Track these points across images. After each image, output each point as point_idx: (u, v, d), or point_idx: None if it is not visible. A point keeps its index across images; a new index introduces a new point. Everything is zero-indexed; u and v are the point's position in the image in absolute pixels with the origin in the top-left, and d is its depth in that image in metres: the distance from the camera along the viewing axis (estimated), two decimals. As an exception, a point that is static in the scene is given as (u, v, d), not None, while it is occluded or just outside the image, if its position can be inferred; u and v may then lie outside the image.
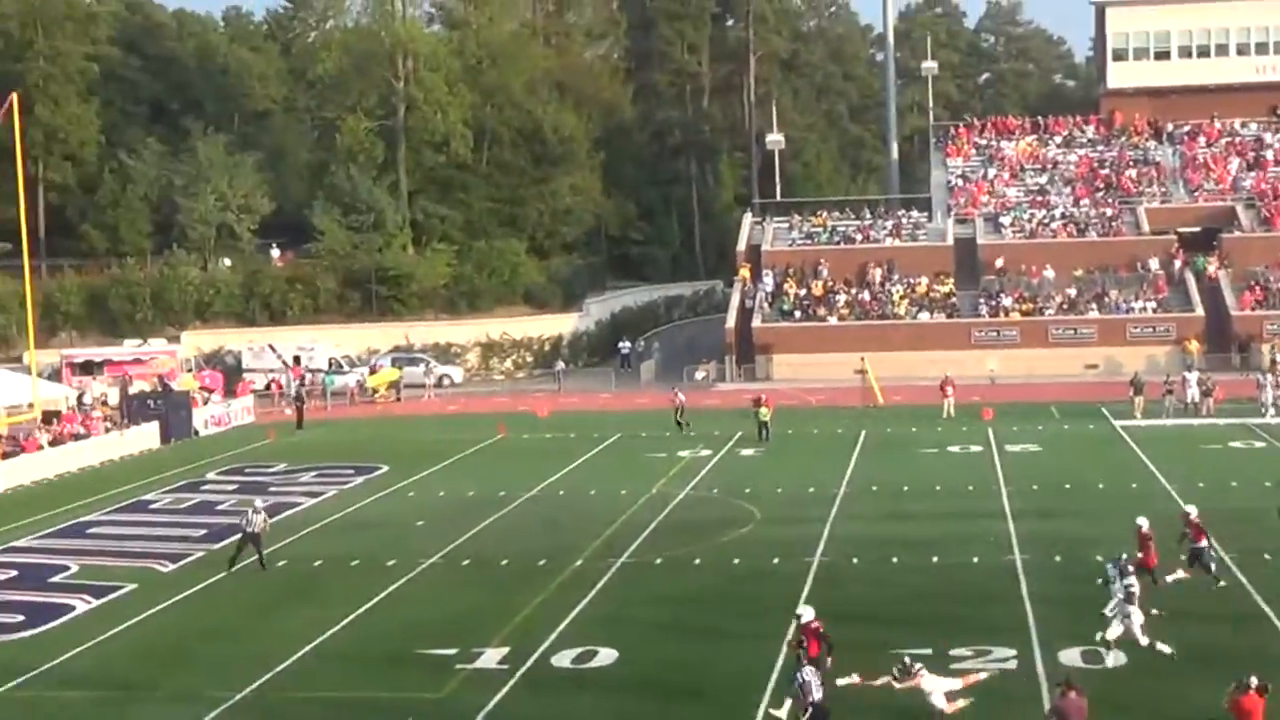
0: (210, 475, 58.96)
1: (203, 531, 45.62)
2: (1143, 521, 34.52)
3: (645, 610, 34.54)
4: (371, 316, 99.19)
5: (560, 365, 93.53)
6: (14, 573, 41.31)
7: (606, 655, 30.33)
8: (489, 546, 42.79)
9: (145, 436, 68.93)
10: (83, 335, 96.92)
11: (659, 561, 40.10)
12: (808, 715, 23.95)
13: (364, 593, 37.09)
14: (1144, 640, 28.73)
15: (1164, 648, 28.76)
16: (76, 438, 66.09)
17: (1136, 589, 29.56)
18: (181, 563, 42.08)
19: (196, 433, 72.42)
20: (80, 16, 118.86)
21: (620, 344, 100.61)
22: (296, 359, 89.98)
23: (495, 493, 51.80)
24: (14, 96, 63.37)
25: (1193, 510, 35.33)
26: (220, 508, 50.66)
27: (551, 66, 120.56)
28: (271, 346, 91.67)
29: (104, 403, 76.45)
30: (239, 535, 41.16)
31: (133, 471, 61.19)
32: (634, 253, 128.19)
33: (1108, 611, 29.43)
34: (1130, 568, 30.22)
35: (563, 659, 30.37)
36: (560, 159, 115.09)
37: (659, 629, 32.82)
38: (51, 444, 64.03)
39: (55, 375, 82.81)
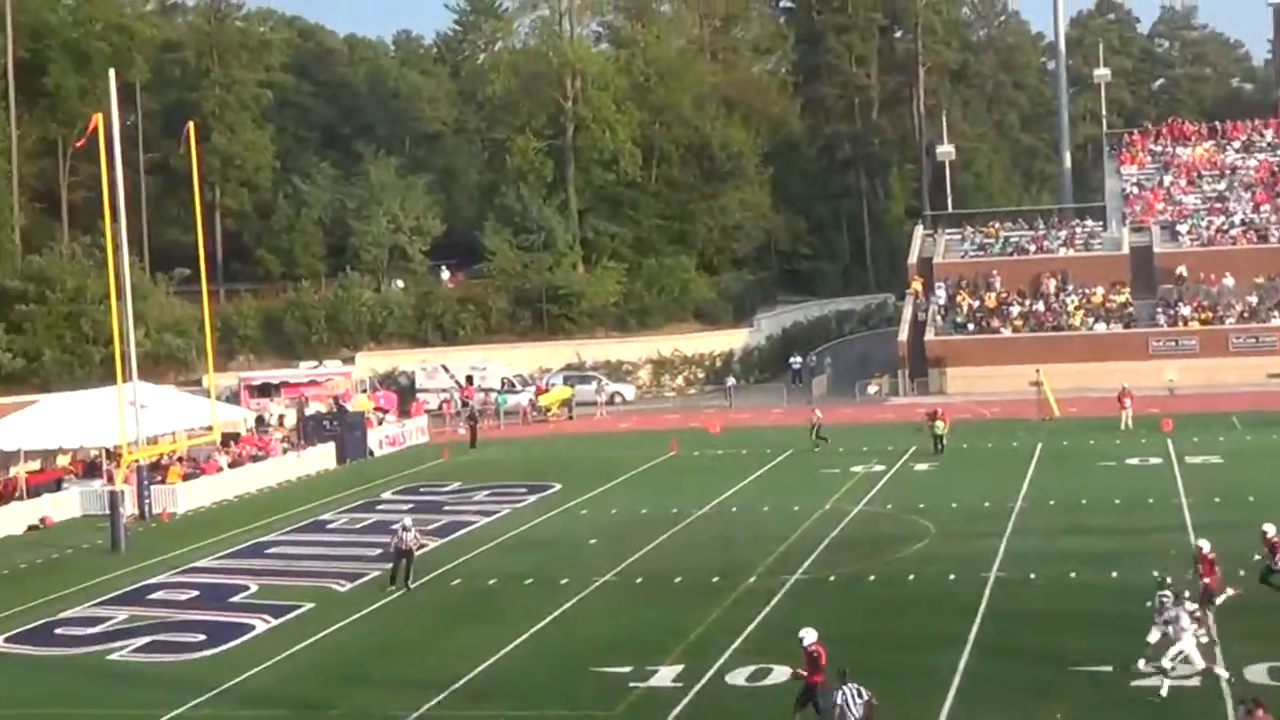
0: (385, 495, 59.53)
1: (378, 551, 45.95)
2: (1204, 544, 33.61)
3: (820, 627, 34.14)
4: (543, 335, 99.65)
5: (731, 381, 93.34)
6: (195, 593, 41.94)
7: (781, 673, 30.04)
8: (662, 564, 42.69)
9: (322, 457, 69.78)
10: (260, 358, 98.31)
11: (833, 578, 39.75)
12: None
13: (537, 611, 37.13)
14: (1200, 665, 27.97)
15: (1221, 671, 28.05)
16: (255, 459, 67.10)
17: (1198, 611, 28.90)
18: (358, 582, 42.44)
19: (371, 453, 73.16)
20: (254, 45, 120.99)
21: (791, 359, 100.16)
22: (469, 378, 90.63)
23: (668, 510, 51.71)
24: (191, 125, 64.44)
25: (1270, 529, 34.28)
26: (395, 527, 51.03)
27: (719, 82, 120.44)
28: (444, 366, 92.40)
29: (281, 424, 77.58)
30: (392, 554, 41.53)
31: (310, 492, 61.93)
32: (804, 267, 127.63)
33: (1151, 639, 28.55)
34: (1186, 593, 29.39)
35: (737, 677, 30.16)
36: (729, 174, 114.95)
37: (833, 646, 32.46)
38: (230, 466, 65.04)
39: (234, 398, 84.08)
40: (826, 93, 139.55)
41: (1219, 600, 32.40)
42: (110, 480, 56.56)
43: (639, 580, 40.68)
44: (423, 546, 43.21)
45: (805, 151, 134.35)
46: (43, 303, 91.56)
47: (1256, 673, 28.53)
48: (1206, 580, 32.41)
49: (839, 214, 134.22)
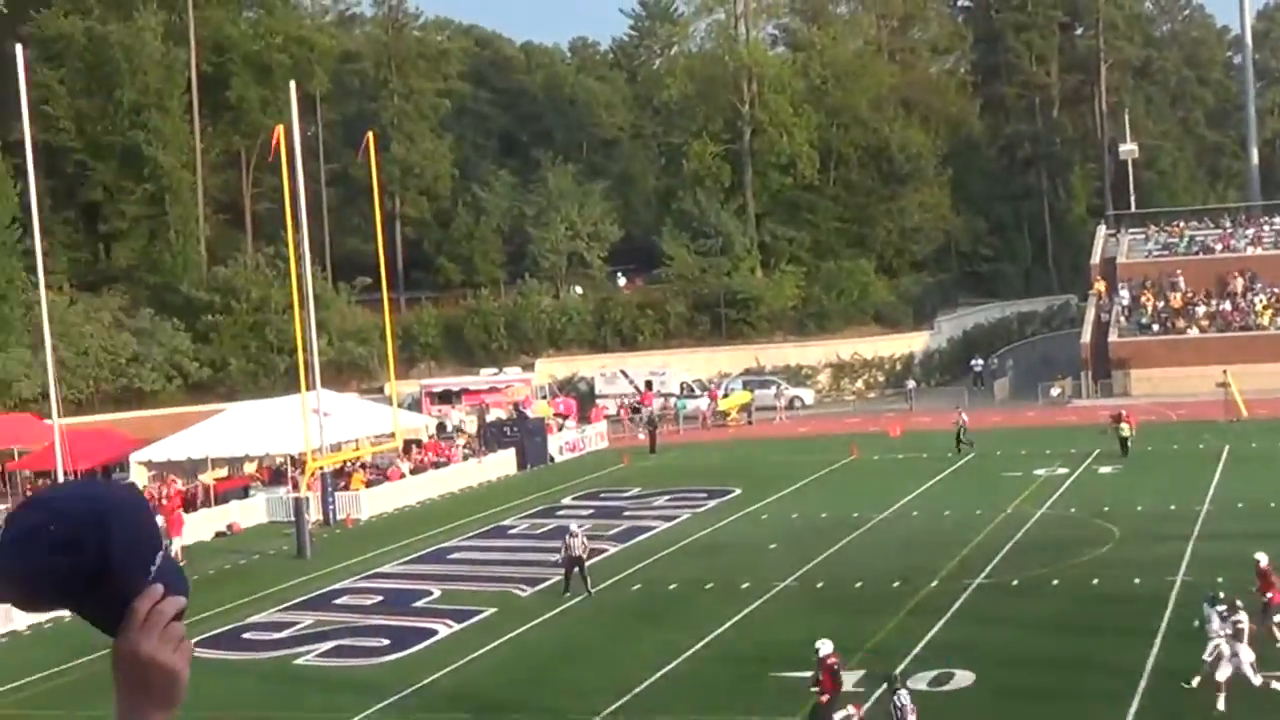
0: (566, 500, 59.78)
1: (559, 556, 46.12)
2: (1261, 557, 32.55)
3: (1003, 632, 33.78)
4: (721, 340, 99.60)
5: (911, 384, 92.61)
6: (379, 598, 42.42)
7: (963, 678, 29.72)
8: (843, 568, 42.43)
9: (502, 463, 70.30)
10: (440, 365, 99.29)
11: (1016, 583, 39.24)
12: None
13: (718, 616, 37.07)
14: (1257, 680, 27.13)
15: (1278, 685, 27.29)
16: (437, 465, 67.77)
17: (1245, 624, 28.00)
18: (539, 587, 42.65)
19: (552, 459, 73.54)
20: (432, 54, 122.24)
21: (973, 361, 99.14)
22: (648, 384, 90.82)
23: (849, 514, 51.38)
24: (370, 135, 65.27)
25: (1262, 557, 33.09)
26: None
27: (897, 83, 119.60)
28: (624, 372, 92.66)
29: (462, 431, 78.26)
30: (564, 562, 41.68)
31: (491, 497, 62.40)
32: (985, 269, 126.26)
33: (1206, 656, 27.82)
34: (1239, 602, 28.62)
35: (919, 682, 29.84)
36: (908, 176, 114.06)
37: (1017, 652, 32.05)
38: (413, 472, 65.75)
39: (415, 405, 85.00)
40: (1006, 92, 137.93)
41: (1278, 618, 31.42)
42: (295, 487, 57.47)
43: (820, 585, 40.46)
44: (593, 553, 43.28)
45: (985, 152, 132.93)
46: (228, 313, 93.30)
47: None
48: (1269, 595, 31.39)
49: (1020, 214, 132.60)
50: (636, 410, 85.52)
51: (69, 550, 2.66)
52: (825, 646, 26.67)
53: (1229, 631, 27.74)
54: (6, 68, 62.13)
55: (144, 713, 2.74)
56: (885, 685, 27.09)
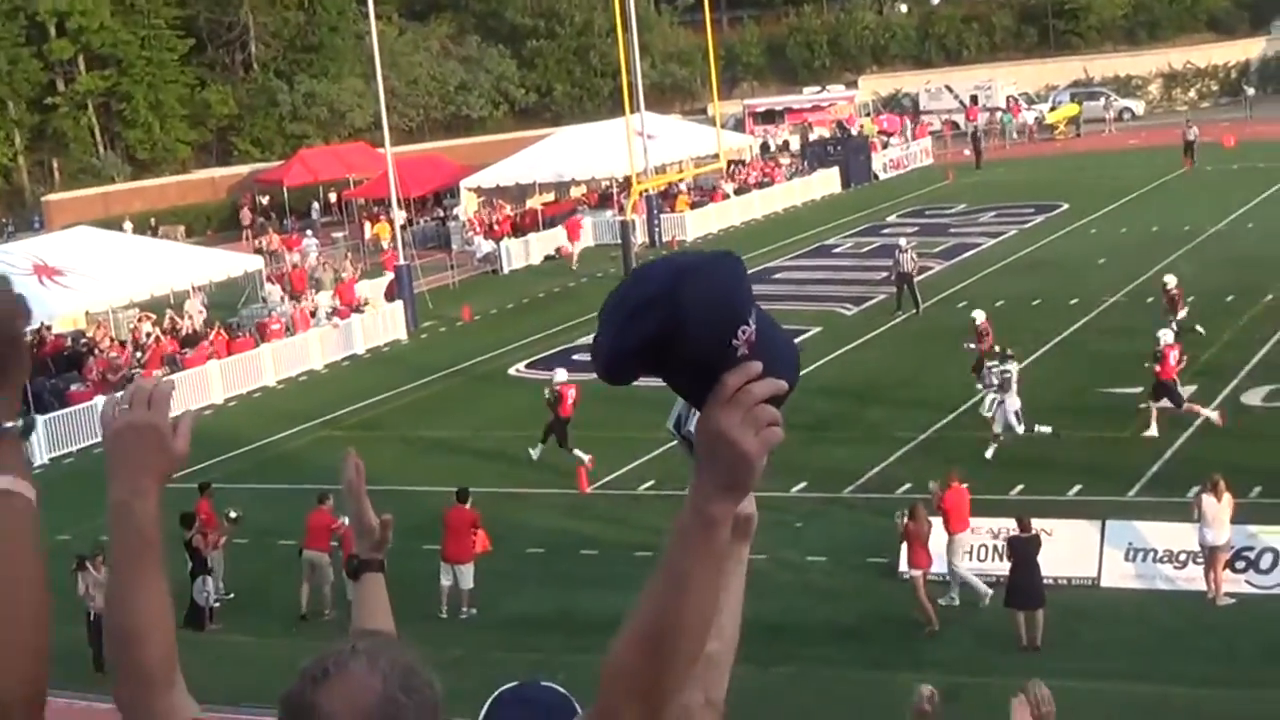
0: (890, 219, 59.43)
1: (884, 275, 46.06)
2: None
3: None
4: (1049, 52, 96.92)
5: (1250, 91, 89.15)
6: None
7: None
8: (1174, 284, 41.55)
9: (826, 182, 70.02)
10: (763, 85, 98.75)
11: (1357, 295, 38.03)
12: None
13: (1045, 332, 36.78)
14: (1020, 428, 27.94)
15: (1044, 429, 27.87)
16: (760, 185, 67.83)
17: (1013, 375, 28.44)
18: (864, 306, 42.81)
19: (876, 176, 72.97)
20: None
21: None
22: (973, 98, 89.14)
23: (1180, 228, 50.04)
24: None
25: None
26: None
27: None
28: (948, 87, 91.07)
29: (786, 150, 78.02)
30: (894, 279, 41.64)
31: (814, 217, 62.34)
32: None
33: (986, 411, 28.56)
34: (1009, 352, 29.67)
35: (1252, 397, 29.38)
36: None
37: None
38: (736, 193, 65.91)
39: (738, 125, 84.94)
40: None
41: None
42: (621, 210, 58.17)
43: (1149, 300, 39.71)
44: (923, 270, 43.15)
45: None
46: (552, 38, 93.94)
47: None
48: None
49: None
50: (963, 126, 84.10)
51: (643, 314, 2.62)
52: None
53: (996, 382, 28.06)
54: None
55: (711, 488, 2.66)
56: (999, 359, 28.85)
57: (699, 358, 2.64)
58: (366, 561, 3.86)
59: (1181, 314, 34.24)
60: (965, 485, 23.05)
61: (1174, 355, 28.63)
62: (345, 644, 2.81)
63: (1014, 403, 28.10)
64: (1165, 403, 28.05)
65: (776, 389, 2.66)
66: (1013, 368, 28.65)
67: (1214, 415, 28.29)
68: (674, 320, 2.60)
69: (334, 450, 31.44)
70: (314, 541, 24.50)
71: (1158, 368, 28.23)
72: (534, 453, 30.72)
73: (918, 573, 21.89)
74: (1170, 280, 35.07)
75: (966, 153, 76.99)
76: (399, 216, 52.03)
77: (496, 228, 61.40)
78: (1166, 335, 29.46)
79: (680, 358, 2.64)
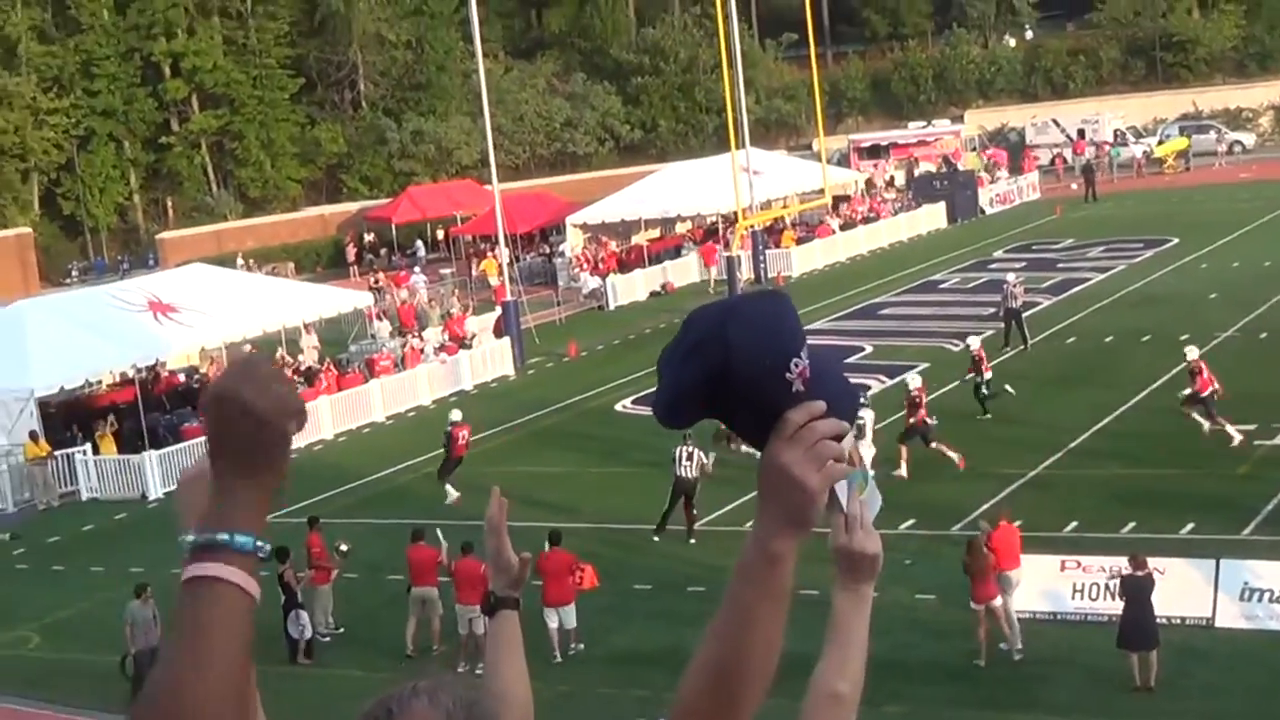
0: (997, 253, 59.07)
1: (991, 310, 45.79)
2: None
3: None
4: (1157, 84, 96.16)
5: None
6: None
7: None
8: (1287, 319, 41.08)
9: (932, 217, 69.73)
10: (868, 119, 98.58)
11: None
12: None
13: (1154, 368, 36.40)
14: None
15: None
16: (866, 221, 67.67)
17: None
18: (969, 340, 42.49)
19: (982, 211, 72.59)
20: None
21: None
22: (1080, 132, 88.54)
23: (1293, 262, 49.46)
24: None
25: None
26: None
27: None
28: (1055, 121, 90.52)
29: (891, 185, 77.83)
30: (1000, 313, 41.43)
31: (921, 252, 62.08)
32: None
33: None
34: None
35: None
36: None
37: None
38: (842, 228, 65.80)
39: (843, 160, 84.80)
40: None
41: None
42: (727, 245, 58.21)
43: (1263, 336, 39.31)
44: (1030, 305, 42.90)
45: None
46: (657, 74, 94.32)
47: None
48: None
49: None
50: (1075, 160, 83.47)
51: (694, 356, 2.66)
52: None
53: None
54: None
55: (774, 525, 2.69)
56: None
57: (754, 395, 2.67)
58: (503, 599, 3.91)
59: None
60: (1016, 524, 23.04)
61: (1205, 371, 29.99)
62: (406, 684, 2.80)
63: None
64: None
65: (840, 430, 2.71)
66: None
67: (1237, 436, 29.07)
68: (723, 358, 2.64)
69: (435, 485, 31.71)
70: (422, 578, 24.70)
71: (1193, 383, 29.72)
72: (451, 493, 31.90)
73: (979, 606, 22.00)
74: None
75: (1074, 186, 76.49)
76: (505, 253, 52.36)
77: (602, 264, 61.61)
78: (1192, 351, 31.26)
79: (735, 395, 2.67)
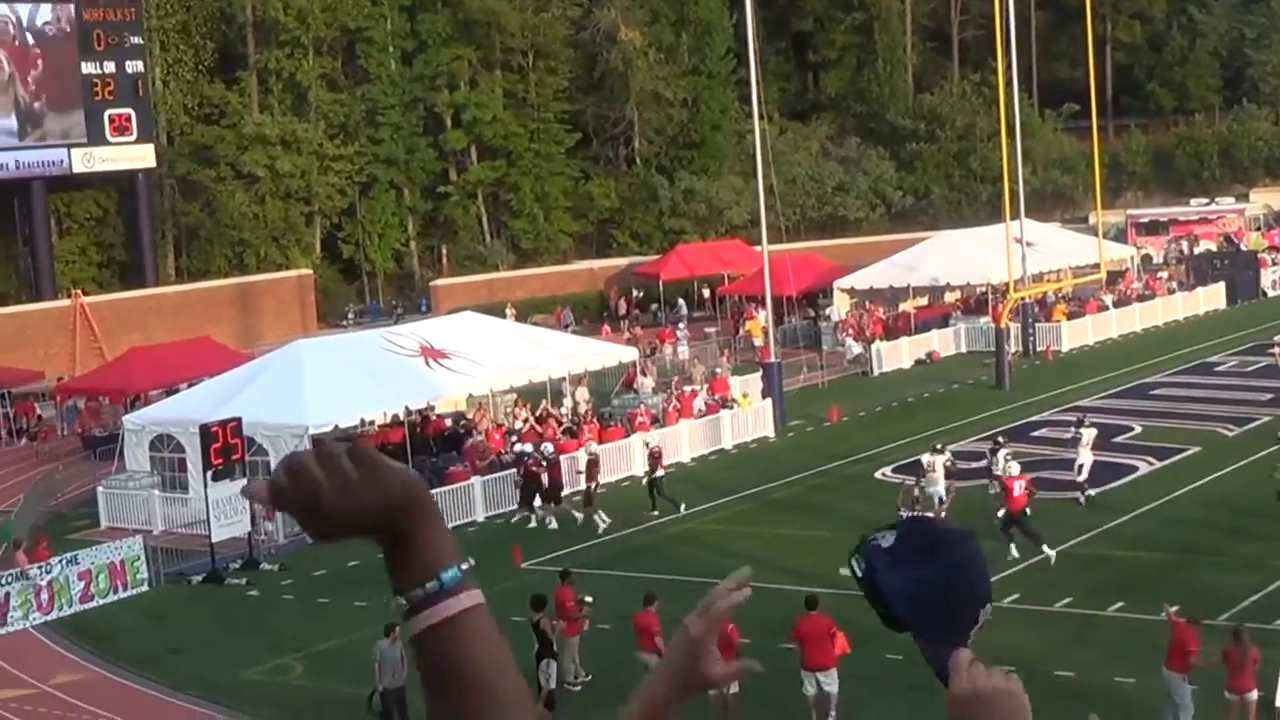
0: (1278, 338, 57.41)
1: (1270, 396, 44.51)
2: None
3: None
4: None
5: None
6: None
7: None
8: None
9: (1211, 297, 68.13)
10: (1148, 195, 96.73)
11: None
12: None
13: None
14: None
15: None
16: (1141, 298, 66.34)
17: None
18: (1247, 427, 41.39)
19: (1264, 293, 70.72)
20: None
21: None
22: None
23: None
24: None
25: None
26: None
27: None
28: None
29: (1169, 263, 76.19)
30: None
31: (1198, 332, 60.65)
32: None
33: None
34: None
35: None
36: None
37: None
38: (1115, 304, 64.57)
39: (1120, 235, 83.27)
40: None
41: None
42: (996, 317, 57.50)
43: None
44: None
45: None
46: (932, 141, 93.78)
47: None
48: None
49: None
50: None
51: (878, 602, 2.90)
52: None
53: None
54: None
55: None
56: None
57: (955, 628, 2.81)
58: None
59: None
60: (1189, 622, 22.26)
61: None
62: None
63: None
64: None
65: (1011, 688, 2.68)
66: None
67: None
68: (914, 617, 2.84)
69: (689, 544, 31.78)
70: (643, 645, 24.23)
71: None
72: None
73: (1234, 696, 21.39)
74: None
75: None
76: (770, 314, 52.32)
77: (868, 330, 61.28)
78: None
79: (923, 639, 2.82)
